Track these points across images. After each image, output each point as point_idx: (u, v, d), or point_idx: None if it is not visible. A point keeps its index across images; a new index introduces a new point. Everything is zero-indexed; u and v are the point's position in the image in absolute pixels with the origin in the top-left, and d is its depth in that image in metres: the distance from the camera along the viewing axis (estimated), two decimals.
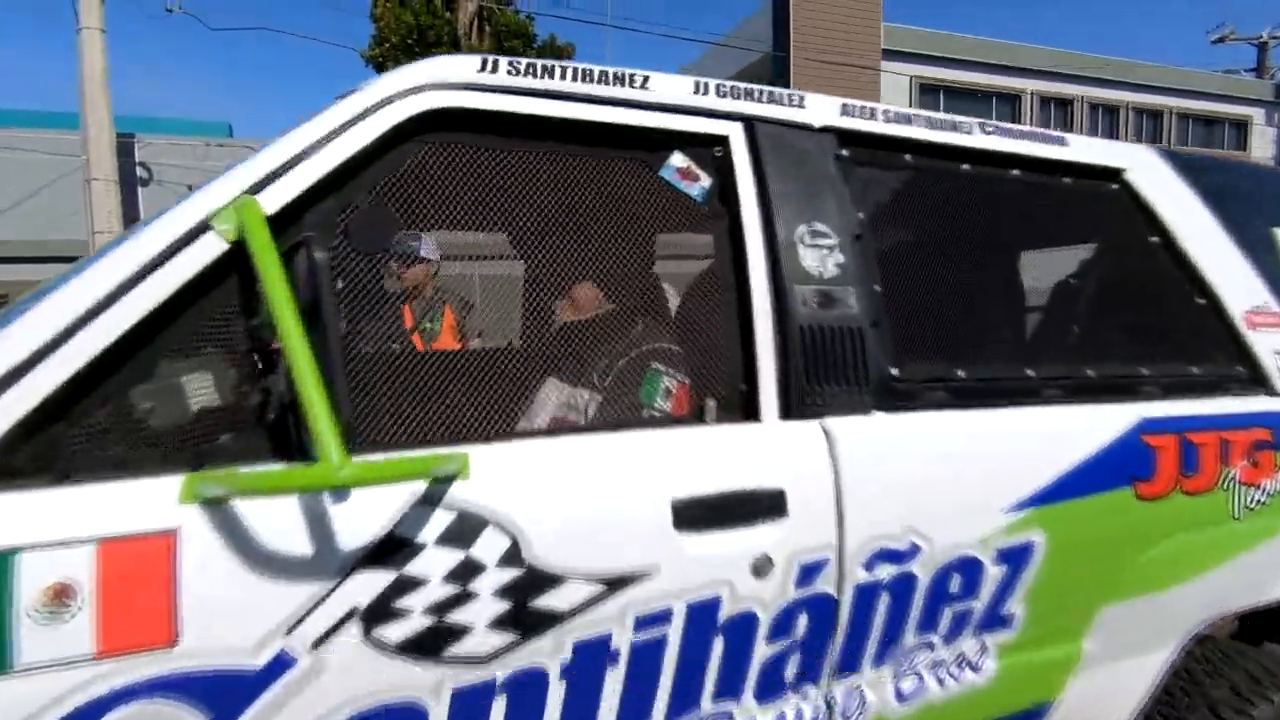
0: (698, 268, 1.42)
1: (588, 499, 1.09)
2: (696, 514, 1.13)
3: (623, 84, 1.30)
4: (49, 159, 11.07)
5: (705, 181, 1.34)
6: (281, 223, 1.02)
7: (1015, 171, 1.64)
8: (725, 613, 1.15)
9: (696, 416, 1.26)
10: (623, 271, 1.37)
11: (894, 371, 1.34)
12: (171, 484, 0.89)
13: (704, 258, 1.39)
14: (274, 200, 1.02)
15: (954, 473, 1.32)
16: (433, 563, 0.98)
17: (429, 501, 0.99)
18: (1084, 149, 1.71)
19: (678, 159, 1.33)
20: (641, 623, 1.09)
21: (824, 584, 1.21)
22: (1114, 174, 1.72)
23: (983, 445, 1.36)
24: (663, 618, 1.10)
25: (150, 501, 0.88)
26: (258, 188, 1.02)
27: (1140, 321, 1.68)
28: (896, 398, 1.33)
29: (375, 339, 1.05)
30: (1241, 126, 17.96)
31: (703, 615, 1.13)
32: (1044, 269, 1.80)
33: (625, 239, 1.31)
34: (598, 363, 1.46)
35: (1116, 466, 1.44)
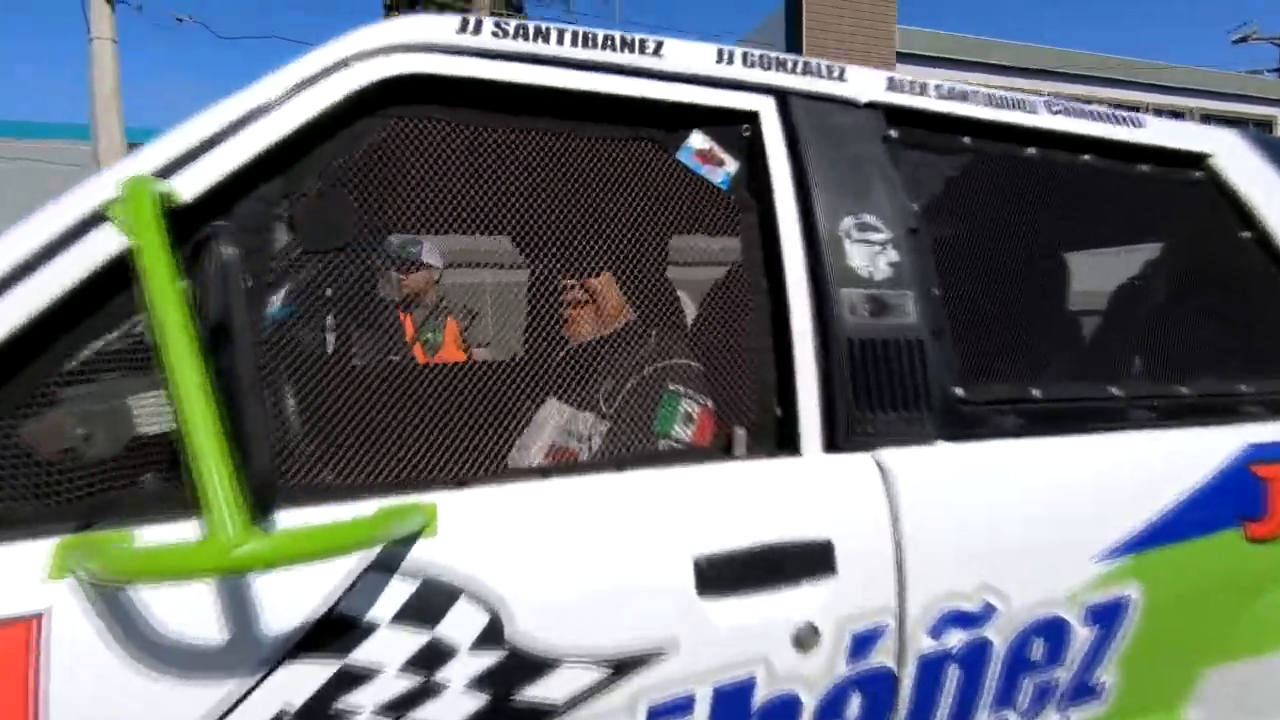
0: (722, 269, 1.20)
1: (589, 558, 0.87)
2: (724, 574, 0.91)
3: (632, 50, 1.09)
4: (60, 169, 11.01)
5: (730, 166, 1.12)
6: (201, 213, 0.81)
7: (1086, 156, 1.41)
8: (761, 697, 0.92)
9: (722, 449, 1.04)
10: (632, 274, 1.15)
11: (960, 392, 1.11)
12: (40, 552, 0.68)
13: (729, 257, 1.17)
14: (192, 184, 0.81)
15: (1035, 515, 1.09)
16: (389, 647, 0.76)
17: (384, 567, 0.77)
18: (1163, 131, 1.48)
19: (698, 139, 1.11)
20: (656, 715, 0.87)
21: (881, 656, 0.99)
22: (1197, 160, 1.49)
23: (1066, 481, 1.13)
24: (683, 707, 0.88)
25: (8, 575, 0.67)
26: (171, 169, 0.81)
27: (1236, 329, 1.44)
28: (964, 424, 1.10)
29: (314, 358, 0.84)
30: (1266, 127, 17.55)
31: (733, 701, 0.90)
32: (1119, 268, 1.57)
33: (634, 235, 1.09)
34: (603, 382, 1.24)
35: (1222, 503, 1.20)
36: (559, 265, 1.29)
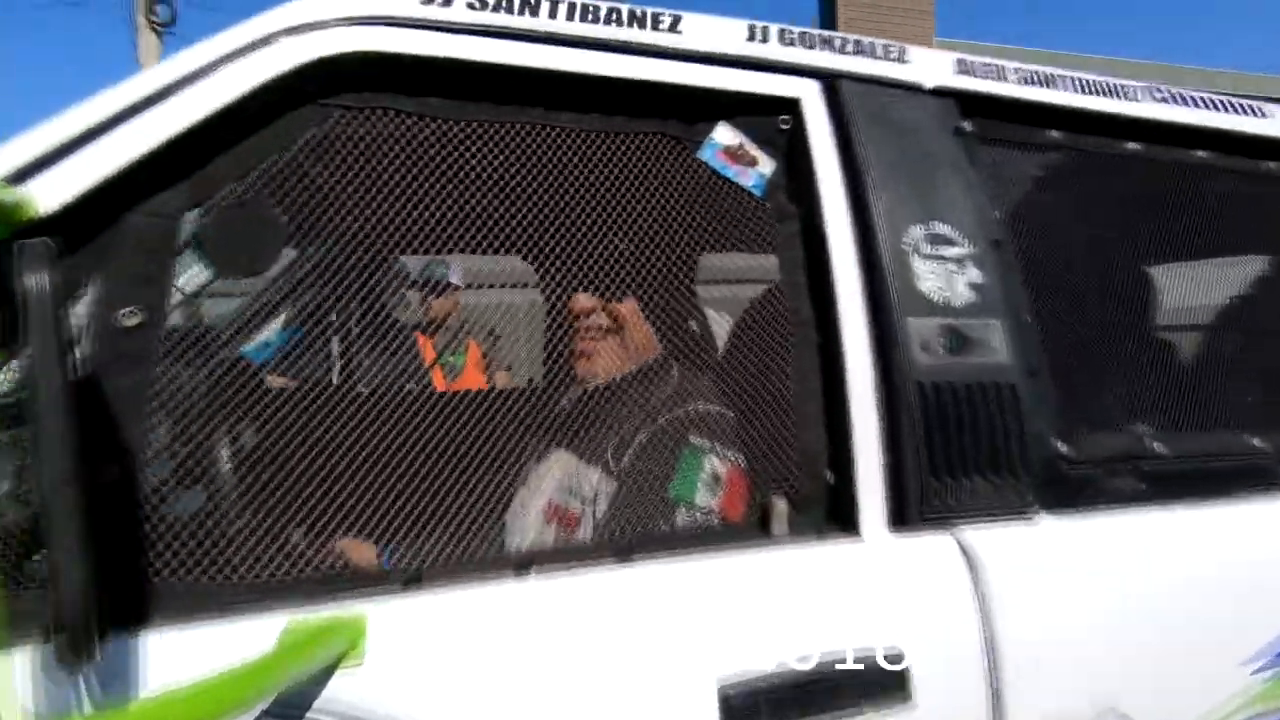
0: (755, 292, 0.97)
1: (578, 690, 0.64)
2: (760, 706, 0.68)
3: (643, 26, 0.88)
4: None
5: (765, 165, 0.90)
6: (70, 226, 0.62)
7: (1201, 153, 1.16)
8: None
9: (757, 523, 0.81)
10: (643, 299, 0.94)
11: (1064, 449, 0.86)
12: None
13: (764, 278, 0.95)
14: (56, 192, 0.62)
15: (1169, 608, 0.84)
16: None
17: (286, 716, 0.56)
18: None
19: (724, 134, 0.89)
20: None
21: None
22: None
23: (1209, 562, 0.88)
24: None
25: None
26: (30, 171, 0.62)
27: None
28: (1071, 491, 0.86)
29: (197, 414, 0.63)
30: None
31: None
32: (1236, 285, 1.30)
33: (646, 252, 0.88)
34: (614, 430, 1.02)
35: None
36: (560, 288, 1.08)
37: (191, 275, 0.68)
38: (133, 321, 0.64)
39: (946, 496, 0.81)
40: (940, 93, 0.99)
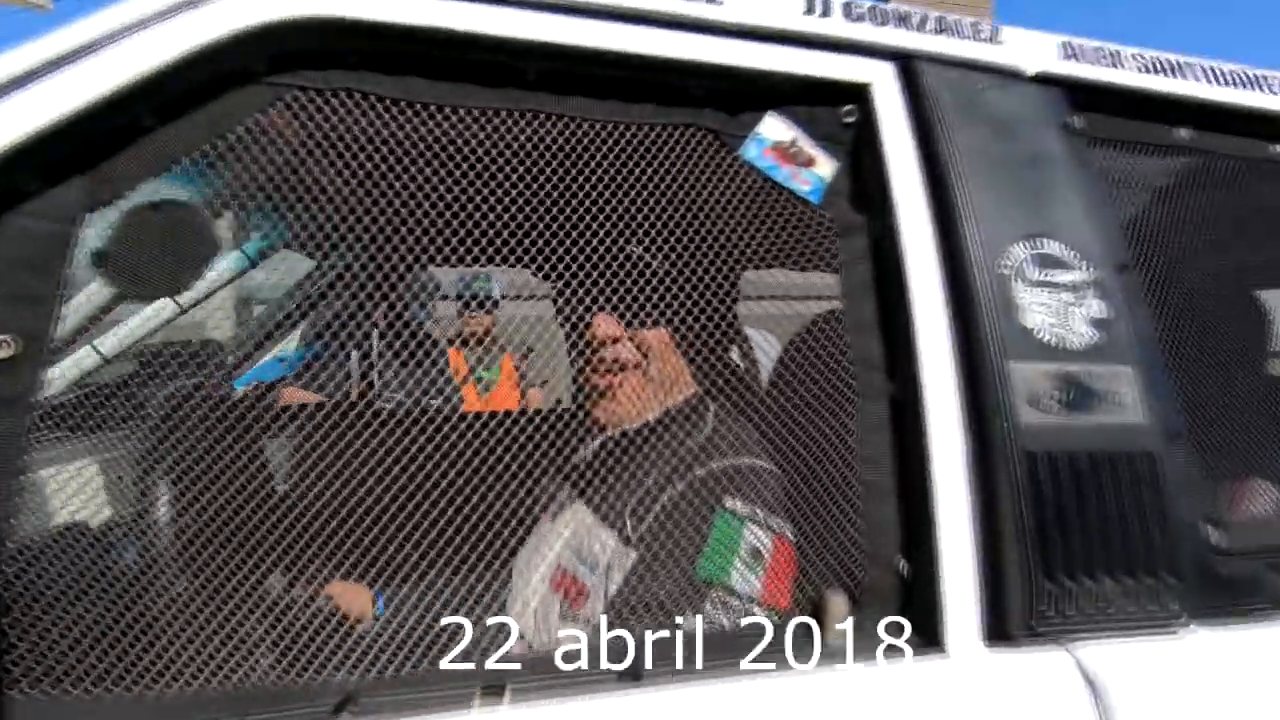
0: (808, 320, 0.79)
1: None
2: None
3: None
4: None
5: (824, 166, 0.72)
6: None
7: None
8: None
9: (810, 617, 0.62)
10: (676, 326, 0.77)
11: (1219, 537, 0.66)
12: None
13: (820, 305, 0.77)
14: None
15: None
16: None
17: None
18: None
19: (774, 127, 0.72)
20: None
21: None
22: None
23: None
24: None
25: None
26: None
27: None
28: (1230, 593, 0.65)
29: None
30: None
31: None
32: None
33: (679, 271, 0.71)
34: (629, 488, 0.84)
35: None
36: (576, 311, 0.92)
37: (88, 295, 0.54)
38: (3, 354, 0.50)
39: (1063, 602, 0.61)
40: (1044, 80, 0.80)
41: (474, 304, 2.78)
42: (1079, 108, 0.80)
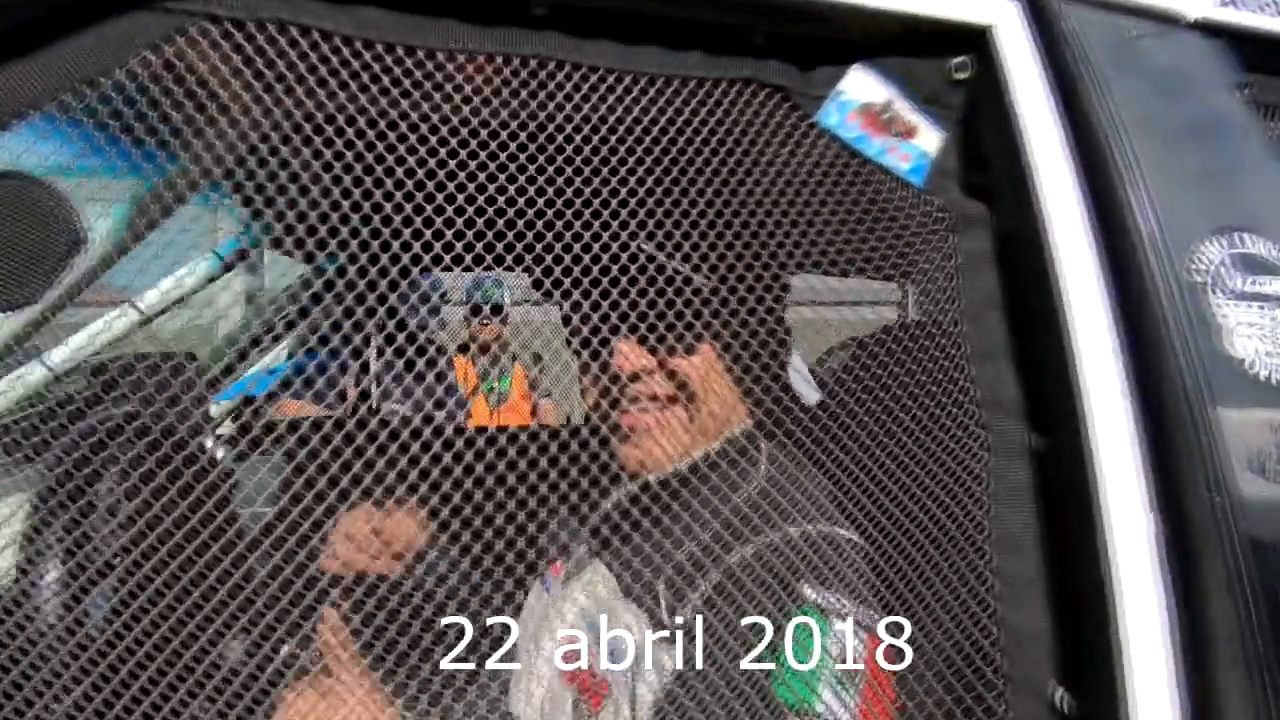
0: (907, 341, 0.60)
1: None
2: None
3: None
4: None
5: (929, 138, 0.54)
6: None
7: None
8: None
9: None
10: (724, 346, 0.59)
11: None
12: None
13: (925, 321, 0.58)
14: None
15: None
16: None
17: None
18: None
19: (860, 85, 0.54)
20: None
21: None
22: None
23: None
24: None
25: None
26: None
27: None
28: None
29: None
30: None
31: None
32: None
33: (731, 273, 0.53)
34: (661, 554, 0.65)
35: None
36: (593, 331, 0.73)
37: None
38: None
39: None
40: (1207, 29, 0.61)
41: (481, 312, 2.65)
42: (1260, 66, 0.61)
